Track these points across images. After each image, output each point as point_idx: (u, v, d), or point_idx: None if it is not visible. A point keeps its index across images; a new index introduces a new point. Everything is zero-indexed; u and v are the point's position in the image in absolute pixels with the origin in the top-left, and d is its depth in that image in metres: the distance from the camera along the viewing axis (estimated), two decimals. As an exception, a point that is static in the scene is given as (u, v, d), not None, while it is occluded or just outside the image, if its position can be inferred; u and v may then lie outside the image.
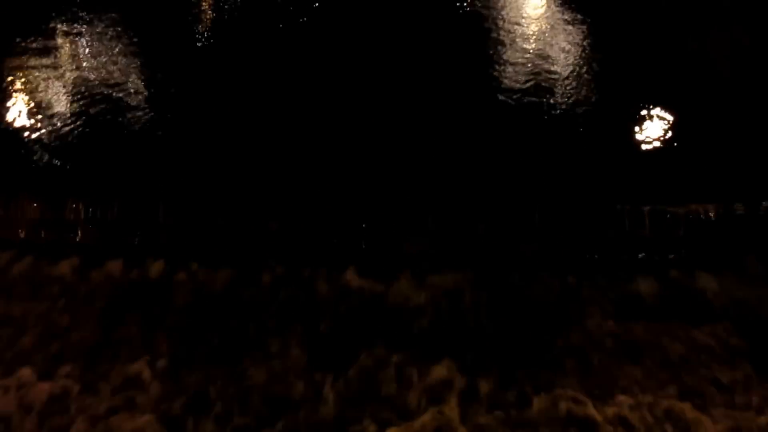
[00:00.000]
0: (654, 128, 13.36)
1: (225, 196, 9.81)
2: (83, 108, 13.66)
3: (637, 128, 13.37)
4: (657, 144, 12.69)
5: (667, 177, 11.55)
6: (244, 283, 8.53)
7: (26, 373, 7.32)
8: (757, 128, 12.84)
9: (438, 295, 8.05)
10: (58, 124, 12.92)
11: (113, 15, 19.95)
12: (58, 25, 18.93)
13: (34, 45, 16.88)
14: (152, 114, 13.53)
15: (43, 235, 8.96)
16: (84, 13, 19.96)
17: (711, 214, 8.76)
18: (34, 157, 11.82)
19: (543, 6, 22.68)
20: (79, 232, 9.02)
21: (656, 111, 14.09)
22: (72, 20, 19.57)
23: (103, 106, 13.78)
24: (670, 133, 13.15)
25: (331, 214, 9.19)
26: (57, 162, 11.64)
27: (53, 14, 19.63)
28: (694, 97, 14.70)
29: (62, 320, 7.91)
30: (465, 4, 22.37)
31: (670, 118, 13.77)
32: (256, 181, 10.79)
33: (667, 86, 15.48)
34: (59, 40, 17.77)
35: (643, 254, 8.38)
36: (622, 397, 7.04)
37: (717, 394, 7.13)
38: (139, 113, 13.55)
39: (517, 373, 7.43)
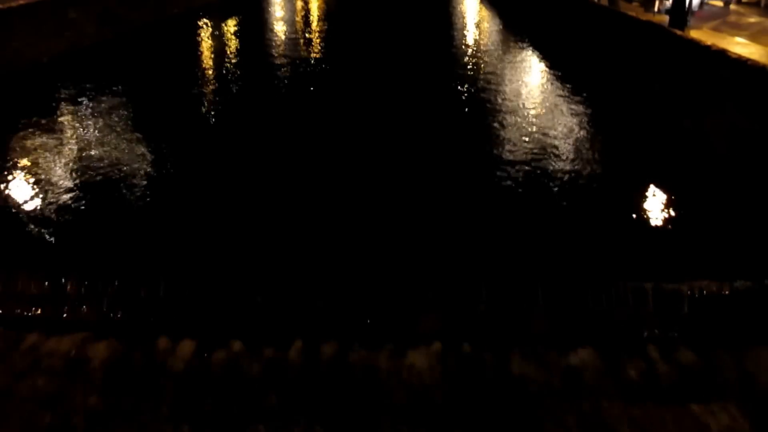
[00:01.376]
0: (656, 205, 13.68)
1: (225, 273, 9.93)
2: (83, 186, 14.09)
3: (639, 205, 13.73)
4: (659, 220, 12.99)
5: (669, 253, 11.79)
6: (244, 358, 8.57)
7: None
8: (759, 206, 13.17)
9: (447, 371, 8.08)
10: (59, 202, 13.25)
11: (110, 97, 20.74)
12: (58, 108, 19.63)
13: (35, 127, 17.49)
14: (151, 193, 13.94)
15: (43, 311, 9.01)
16: (81, 97, 20.75)
17: (714, 291, 8.86)
18: (35, 234, 12.08)
19: (544, 89, 23.57)
20: (79, 308, 9.07)
21: (657, 188, 14.50)
22: (70, 103, 20.32)
23: (102, 185, 14.21)
24: (671, 210, 13.49)
25: (332, 290, 9.28)
26: (58, 239, 11.88)
27: (52, 98, 20.45)
28: (693, 174, 15.12)
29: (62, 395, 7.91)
30: (469, 90, 23.33)
31: (672, 195, 14.15)
32: (255, 257, 11.04)
33: (667, 164, 15.94)
34: (60, 123, 18.39)
35: (648, 332, 8.44)
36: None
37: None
38: (138, 192, 13.96)
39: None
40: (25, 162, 15.19)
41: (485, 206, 13.18)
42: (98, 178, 14.24)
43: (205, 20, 38.40)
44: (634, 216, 13.11)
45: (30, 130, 17.14)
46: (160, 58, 27.61)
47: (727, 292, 8.67)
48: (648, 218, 13.04)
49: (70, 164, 15.03)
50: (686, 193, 14.03)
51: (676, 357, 8.30)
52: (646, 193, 14.18)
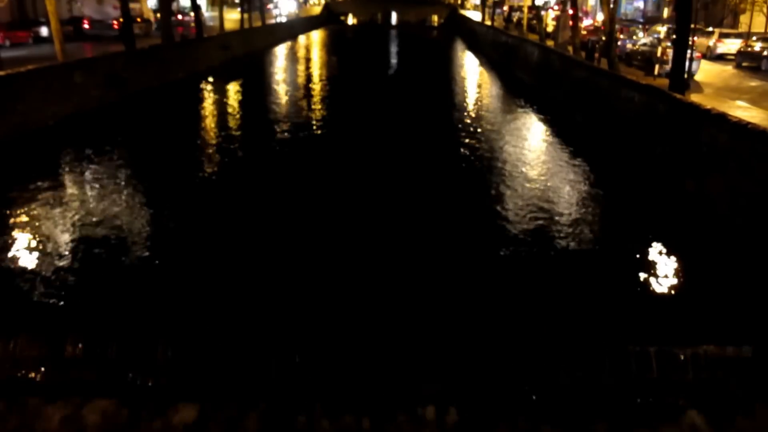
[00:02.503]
0: (658, 269, 13.77)
1: (224, 336, 9.98)
2: (82, 249, 14.22)
3: (641, 269, 13.81)
4: (662, 285, 13.06)
5: (673, 317, 11.84)
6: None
7: None
8: (762, 269, 13.26)
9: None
10: (58, 265, 13.40)
11: (113, 160, 21.17)
12: (60, 172, 20.04)
13: (38, 190, 17.81)
14: (149, 256, 14.07)
15: (41, 374, 9.06)
16: (84, 160, 21.15)
17: (719, 356, 8.87)
18: (34, 296, 12.20)
19: (543, 150, 23.98)
20: (78, 371, 9.12)
21: (659, 252, 14.62)
22: (73, 166, 20.73)
23: (101, 248, 14.36)
24: (674, 274, 13.58)
25: (332, 356, 9.31)
26: (56, 301, 11.99)
27: (55, 161, 20.84)
28: (696, 238, 15.27)
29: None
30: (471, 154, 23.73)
31: (674, 259, 14.26)
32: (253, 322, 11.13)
33: (669, 227, 16.12)
34: (63, 186, 18.74)
35: (652, 399, 8.42)
36: None
37: None
38: (136, 256, 14.11)
39: None
40: (27, 224, 15.44)
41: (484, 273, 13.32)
42: (99, 241, 14.41)
43: (208, 84, 39.38)
44: (633, 280, 13.19)
45: (33, 193, 17.45)
46: (164, 120, 28.25)
47: (731, 357, 8.69)
48: (648, 283, 13.12)
49: (72, 227, 15.26)
50: (687, 257, 14.15)
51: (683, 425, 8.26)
52: (645, 257, 14.28)
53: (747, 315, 11.44)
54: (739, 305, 11.86)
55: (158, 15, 44.64)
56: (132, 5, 56.48)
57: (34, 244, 14.24)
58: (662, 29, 39.88)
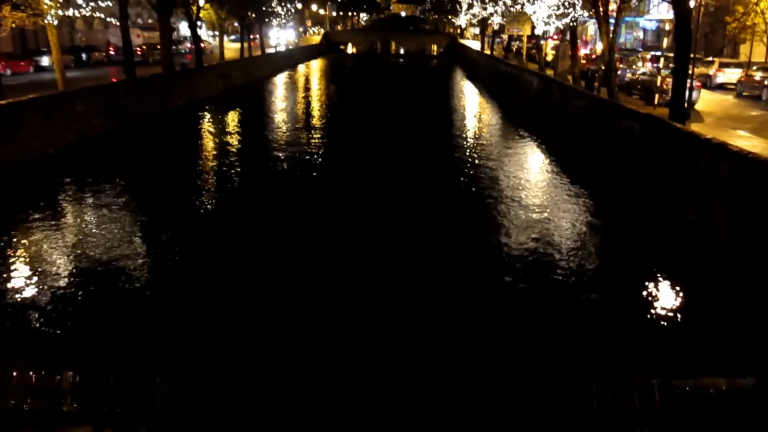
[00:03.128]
0: (660, 300, 13.80)
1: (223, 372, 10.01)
2: (79, 280, 14.17)
3: (643, 300, 13.84)
4: (664, 316, 13.08)
5: (675, 349, 11.83)
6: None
7: None
8: (764, 300, 13.28)
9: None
10: (56, 294, 13.43)
11: (112, 189, 21.24)
12: (59, 201, 20.10)
13: (37, 220, 17.91)
14: (147, 288, 14.05)
15: (39, 405, 9.07)
16: (83, 189, 21.27)
17: (722, 388, 8.89)
18: (31, 326, 12.21)
19: (545, 181, 24.11)
20: (75, 402, 9.13)
21: (661, 282, 14.65)
22: (71, 195, 20.82)
23: (97, 280, 14.31)
24: (676, 305, 13.60)
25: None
26: (54, 331, 12.00)
27: (54, 190, 20.95)
28: (697, 268, 15.31)
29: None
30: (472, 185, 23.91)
31: (676, 289, 14.29)
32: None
33: (670, 257, 16.16)
34: (62, 215, 18.81)
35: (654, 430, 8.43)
36: None
37: None
38: (136, 284, 14.15)
39: None
40: (25, 254, 15.50)
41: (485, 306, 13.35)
42: (96, 273, 14.45)
43: (207, 112, 39.69)
44: (634, 311, 13.22)
45: (32, 223, 17.56)
46: (163, 149, 28.41)
47: (734, 389, 8.70)
48: (650, 314, 13.14)
49: (70, 258, 15.32)
50: (688, 288, 14.18)
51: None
52: (646, 288, 14.31)
53: (749, 346, 11.47)
54: (742, 336, 11.90)
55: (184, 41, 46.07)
56: (150, 34, 58.17)
57: (30, 274, 14.29)
58: (648, 56, 40.45)
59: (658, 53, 41.31)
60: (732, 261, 15.08)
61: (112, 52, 50.15)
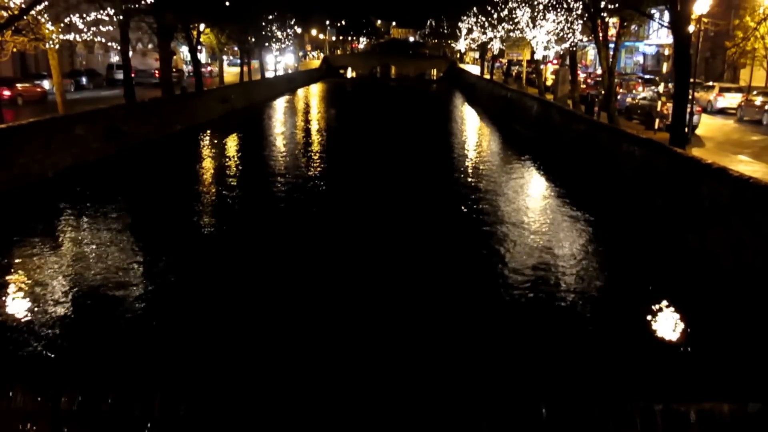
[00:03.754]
0: (664, 325, 13.83)
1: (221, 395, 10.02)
2: (80, 302, 14.29)
3: (646, 325, 13.86)
4: (668, 341, 13.10)
5: (678, 374, 11.84)
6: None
7: None
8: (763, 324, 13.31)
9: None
10: (54, 317, 13.46)
11: (110, 213, 21.33)
12: (58, 225, 20.13)
13: (35, 244, 17.96)
14: (145, 310, 14.07)
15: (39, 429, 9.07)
16: (81, 213, 21.33)
17: (726, 413, 8.89)
18: (30, 349, 12.24)
19: (546, 206, 24.21)
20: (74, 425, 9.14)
21: (664, 308, 14.69)
22: (69, 219, 20.87)
23: (98, 302, 14.41)
24: (680, 330, 13.62)
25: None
26: (52, 354, 12.01)
27: (53, 214, 20.94)
28: (701, 293, 15.35)
29: None
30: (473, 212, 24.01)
31: (680, 315, 14.31)
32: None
33: (674, 282, 16.20)
34: (59, 239, 18.88)
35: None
36: None
37: None
38: (134, 309, 14.13)
39: None
40: (23, 278, 15.52)
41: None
42: (93, 298, 14.48)
43: (207, 136, 39.86)
44: (637, 336, 13.24)
45: (29, 246, 17.62)
46: (161, 174, 28.53)
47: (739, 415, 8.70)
48: (653, 339, 13.17)
49: (67, 283, 15.34)
50: (692, 314, 14.21)
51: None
52: (650, 313, 14.34)
53: (754, 372, 11.47)
54: (746, 362, 11.90)
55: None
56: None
57: (28, 298, 14.33)
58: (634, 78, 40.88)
59: (655, 77, 41.79)
60: (736, 286, 15.12)
61: (132, 75, 50.16)
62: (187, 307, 14.25)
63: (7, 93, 31.58)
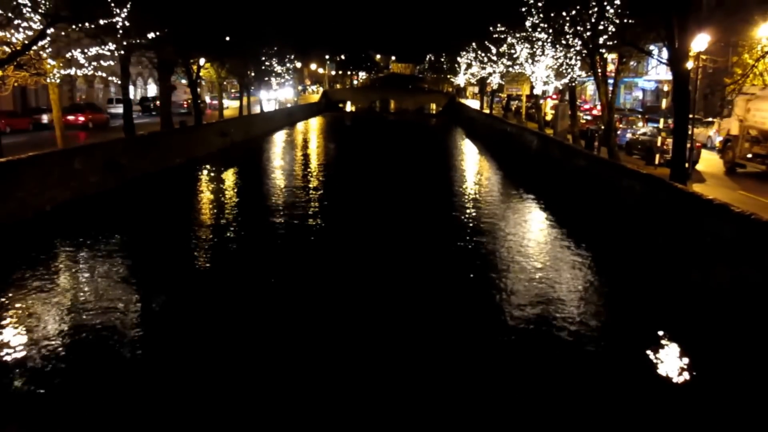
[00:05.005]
0: (667, 364, 13.80)
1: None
2: (75, 345, 14.13)
3: (649, 365, 13.82)
4: (671, 380, 13.08)
5: (681, 413, 11.81)
6: None
7: None
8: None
9: None
10: (48, 356, 13.34)
11: (107, 248, 21.41)
12: (52, 260, 20.13)
13: (30, 279, 17.94)
14: (140, 352, 13.99)
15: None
16: (77, 248, 21.40)
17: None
18: (25, 390, 12.17)
19: (546, 243, 24.22)
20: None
21: (667, 346, 14.68)
22: (65, 254, 20.89)
23: (90, 341, 14.33)
24: (683, 370, 13.59)
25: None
26: (48, 394, 11.96)
27: (48, 249, 21.00)
28: (704, 331, 15.35)
29: None
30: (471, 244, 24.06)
31: (682, 353, 14.30)
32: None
33: (677, 318, 16.19)
34: (54, 275, 18.81)
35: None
36: None
37: None
38: (128, 352, 14.03)
39: None
40: (16, 316, 15.48)
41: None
42: (86, 336, 14.44)
43: (205, 170, 39.97)
44: (640, 376, 13.22)
45: (26, 281, 17.62)
46: (159, 208, 28.59)
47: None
48: (656, 378, 13.15)
49: (60, 321, 15.29)
50: (695, 352, 14.21)
51: None
52: (652, 352, 14.34)
53: (758, 410, 11.45)
54: (749, 400, 11.88)
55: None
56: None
57: (23, 335, 14.30)
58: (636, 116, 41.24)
59: (652, 114, 42.23)
60: (739, 323, 15.13)
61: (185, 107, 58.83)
62: (184, 350, 14.15)
63: (81, 118, 41.85)
